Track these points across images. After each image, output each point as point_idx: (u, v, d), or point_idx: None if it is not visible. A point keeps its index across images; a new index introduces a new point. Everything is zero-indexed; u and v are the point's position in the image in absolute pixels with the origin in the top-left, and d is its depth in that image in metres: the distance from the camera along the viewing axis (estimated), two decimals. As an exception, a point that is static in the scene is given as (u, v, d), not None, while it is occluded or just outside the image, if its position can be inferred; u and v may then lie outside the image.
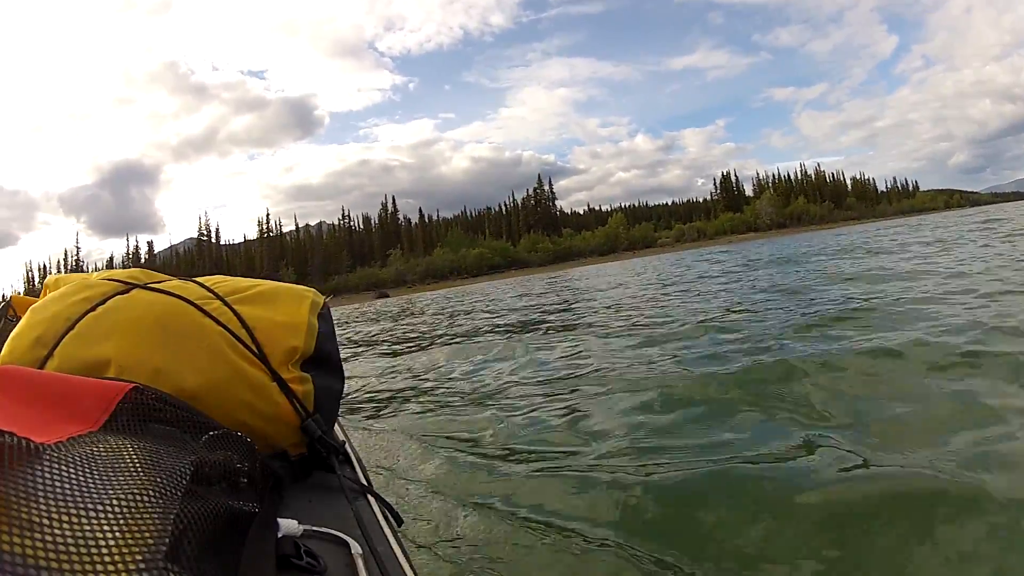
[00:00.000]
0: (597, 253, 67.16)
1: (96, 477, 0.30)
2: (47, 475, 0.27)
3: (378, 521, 0.59)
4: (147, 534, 0.28)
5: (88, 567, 0.24)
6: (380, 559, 0.49)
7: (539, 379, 4.16)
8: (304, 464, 0.67)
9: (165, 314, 0.64)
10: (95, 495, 0.28)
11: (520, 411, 3.19)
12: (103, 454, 0.33)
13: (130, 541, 0.27)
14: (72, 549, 0.24)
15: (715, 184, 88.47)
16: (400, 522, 0.65)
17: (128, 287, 0.67)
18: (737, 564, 1.39)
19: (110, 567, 0.25)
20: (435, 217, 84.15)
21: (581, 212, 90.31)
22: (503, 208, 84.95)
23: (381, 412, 3.54)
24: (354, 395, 4.17)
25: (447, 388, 4.23)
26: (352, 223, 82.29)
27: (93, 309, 0.64)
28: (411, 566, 0.52)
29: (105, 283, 0.68)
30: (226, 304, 0.66)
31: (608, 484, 1.93)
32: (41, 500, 0.26)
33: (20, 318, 0.69)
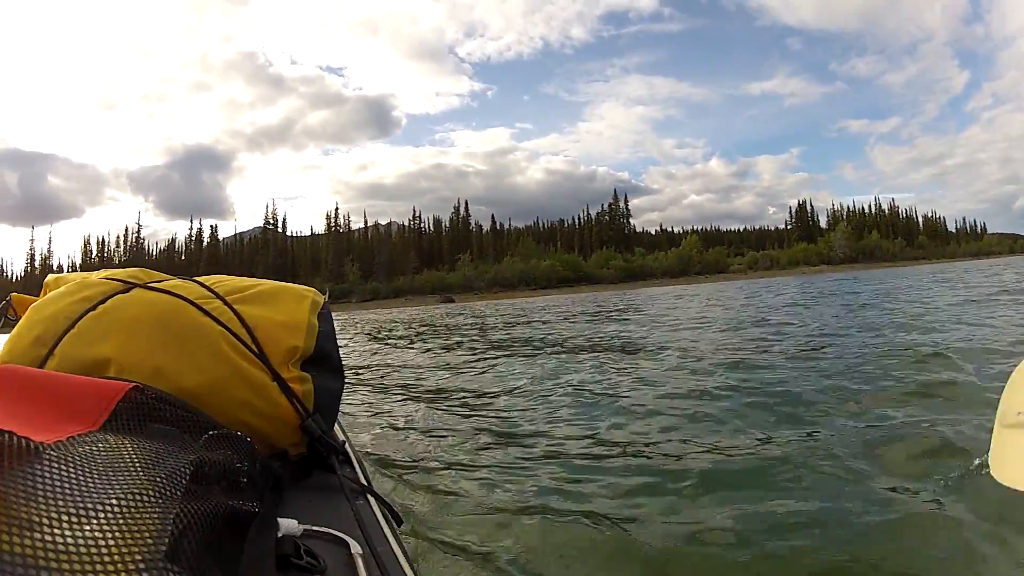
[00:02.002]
0: (669, 275, 64.00)
1: (96, 477, 0.30)
2: (47, 475, 0.27)
3: (378, 521, 0.59)
4: (147, 534, 0.28)
5: (88, 567, 0.24)
6: (380, 559, 0.49)
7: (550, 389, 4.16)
8: (304, 464, 0.66)
9: (165, 314, 0.63)
10: (95, 495, 0.28)
11: (525, 412, 3.19)
12: (103, 454, 0.33)
13: (130, 541, 0.27)
14: (72, 549, 0.24)
15: (790, 213, 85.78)
16: (400, 522, 0.65)
17: (128, 286, 0.67)
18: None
19: (110, 567, 0.25)
20: (507, 226, 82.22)
21: (652, 232, 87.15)
22: (576, 221, 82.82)
23: (382, 412, 3.54)
24: (357, 395, 4.17)
25: (449, 388, 4.23)
26: (423, 224, 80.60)
27: (93, 308, 0.64)
28: (411, 566, 0.52)
29: (105, 282, 0.68)
30: (226, 304, 0.66)
31: (613, 483, 1.93)
32: (41, 500, 0.26)
33: (20, 317, 0.69)
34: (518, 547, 1.57)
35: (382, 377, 5.12)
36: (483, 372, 4.88)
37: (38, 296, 0.77)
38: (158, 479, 0.33)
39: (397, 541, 0.56)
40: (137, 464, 0.34)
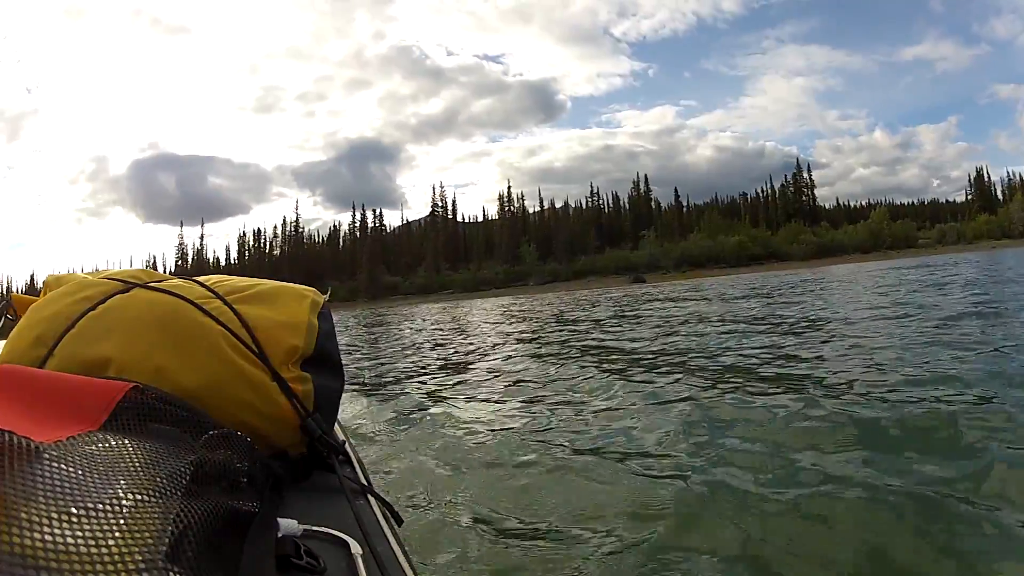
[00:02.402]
0: (860, 250, 57.77)
1: (96, 477, 0.30)
2: (47, 475, 0.27)
3: (378, 521, 0.59)
4: (147, 534, 0.28)
5: (88, 567, 0.24)
6: (380, 559, 0.49)
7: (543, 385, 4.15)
8: (304, 464, 0.66)
9: (165, 313, 0.64)
10: (95, 495, 0.28)
11: (522, 415, 3.19)
12: (103, 454, 0.33)
13: (130, 541, 0.27)
14: (72, 549, 0.24)
15: (970, 182, 75.42)
16: (400, 522, 0.65)
17: (128, 286, 0.67)
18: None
19: (110, 567, 0.25)
20: (686, 203, 75.85)
21: (827, 207, 78.43)
22: (759, 195, 75.70)
23: (382, 412, 3.54)
24: (357, 395, 4.17)
25: (450, 389, 4.23)
26: (601, 201, 74.93)
27: (93, 308, 0.64)
28: (411, 566, 0.52)
29: (105, 282, 0.68)
30: (226, 303, 0.66)
31: (612, 484, 1.93)
32: (41, 500, 0.26)
33: (20, 317, 0.69)
34: (519, 547, 1.57)
35: (382, 377, 5.09)
36: (481, 372, 4.88)
37: (38, 296, 0.77)
38: (158, 479, 0.33)
39: (397, 541, 0.56)
40: (137, 464, 0.34)
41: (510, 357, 5.65)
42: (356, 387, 4.53)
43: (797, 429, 2.34)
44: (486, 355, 6.01)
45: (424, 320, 15.47)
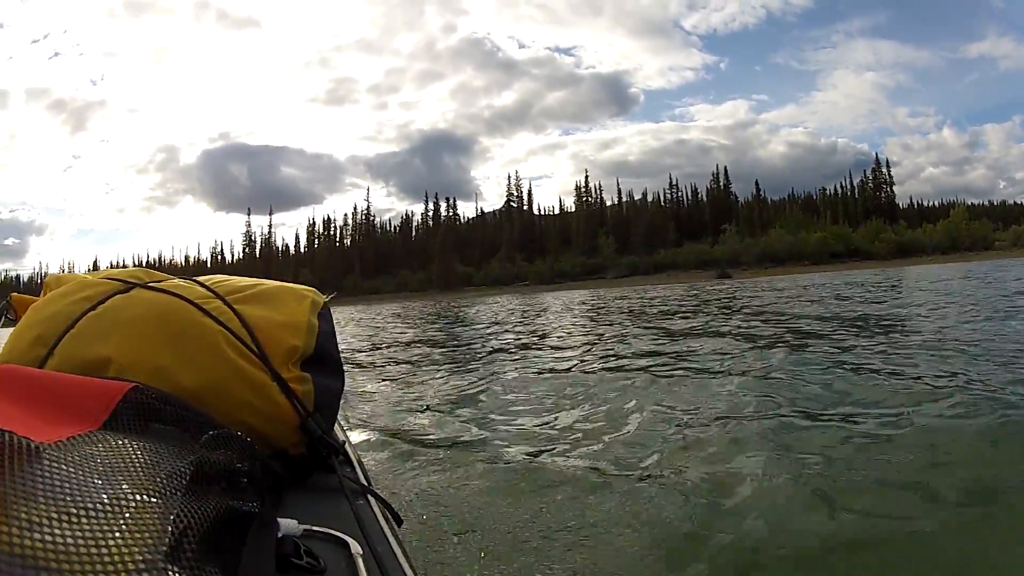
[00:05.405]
0: (938, 251, 55.79)
1: (96, 477, 0.30)
2: (47, 475, 0.27)
3: (378, 521, 0.59)
4: (147, 534, 0.28)
5: (88, 567, 0.24)
6: (380, 559, 0.49)
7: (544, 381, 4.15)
8: (304, 464, 0.67)
9: (165, 313, 0.64)
10: (95, 495, 0.28)
11: (522, 414, 3.20)
12: (103, 454, 0.33)
13: (130, 541, 0.27)
14: (72, 549, 0.24)
15: None
16: (400, 522, 0.65)
17: (128, 286, 0.67)
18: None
19: (110, 567, 0.25)
20: (762, 198, 73.74)
21: (902, 206, 74.98)
22: (838, 191, 73.29)
23: (382, 412, 3.54)
24: (357, 395, 4.17)
25: (450, 390, 4.23)
26: (681, 194, 73.13)
27: (93, 308, 0.64)
28: (411, 566, 0.52)
29: (105, 282, 0.68)
30: (226, 303, 0.66)
31: (608, 483, 1.93)
32: (41, 500, 0.26)
33: (20, 317, 0.70)
34: (519, 547, 1.57)
35: (382, 377, 5.08)
36: (478, 372, 4.88)
37: (38, 296, 0.77)
38: (158, 479, 0.33)
39: (397, 541, 0.56)
40: (137, 464, 0.34)
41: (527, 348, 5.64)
42: (357, 386, 4.53)
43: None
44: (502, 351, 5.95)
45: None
